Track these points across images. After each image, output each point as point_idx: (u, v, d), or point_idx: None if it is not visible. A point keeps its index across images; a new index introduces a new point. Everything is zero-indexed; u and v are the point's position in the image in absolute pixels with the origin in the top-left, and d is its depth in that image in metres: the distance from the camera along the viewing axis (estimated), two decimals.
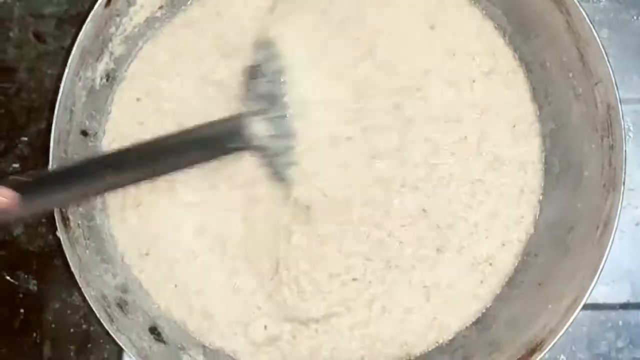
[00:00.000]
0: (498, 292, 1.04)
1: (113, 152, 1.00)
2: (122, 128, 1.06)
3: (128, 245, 1.05)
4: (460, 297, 1.03)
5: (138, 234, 1.04)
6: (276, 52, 0.99)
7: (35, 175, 0.93)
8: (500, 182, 1.04)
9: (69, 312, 1.11)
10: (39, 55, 1.16)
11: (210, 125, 0.98)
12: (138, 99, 1.06)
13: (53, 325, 1.12)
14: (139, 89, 1.06)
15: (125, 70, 1.07)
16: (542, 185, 1.04)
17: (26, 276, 1.12)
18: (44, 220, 1.11)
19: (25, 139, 1.14)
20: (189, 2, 1.08)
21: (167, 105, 1.05)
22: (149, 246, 1.04)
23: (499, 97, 1.05)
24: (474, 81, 1.04)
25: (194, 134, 0.97)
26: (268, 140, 0.98)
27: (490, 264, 1.04)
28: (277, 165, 1.00)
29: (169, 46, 1.07)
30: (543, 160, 1.05)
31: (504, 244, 1.04)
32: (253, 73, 1.00)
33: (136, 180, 0.96)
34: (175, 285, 1.04)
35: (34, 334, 1.11)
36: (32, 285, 1.12)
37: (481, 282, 1.04)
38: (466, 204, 1.04)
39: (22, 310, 1.11)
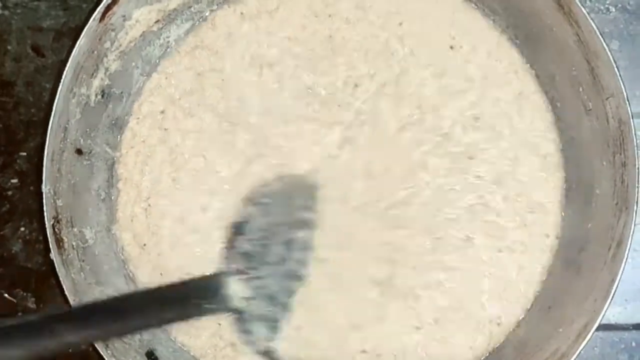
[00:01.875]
0: None
1: (76, 308, 0.94)
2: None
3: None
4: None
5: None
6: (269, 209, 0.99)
7: None
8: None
9: None
10: (37, 69, 1.15)
11: (186, 283, 0.97)
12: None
13: None
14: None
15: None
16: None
17: (24, 294, 1.11)
18: (41, 237, 1.10)
19: (24, 154, 1.13)
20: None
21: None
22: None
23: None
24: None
25: (167, 291, 0.95)
26: (245, 302, 0.96)
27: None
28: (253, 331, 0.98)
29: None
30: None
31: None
32: (238, 228, 0.99)
33: (102, 338, 0.92)
34: None
35: None
36: (31, 303, 1.11)
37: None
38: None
39: None
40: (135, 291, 0.96)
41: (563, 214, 1.01)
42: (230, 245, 0.99)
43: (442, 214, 1.01)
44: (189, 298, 0.94)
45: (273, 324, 0.97)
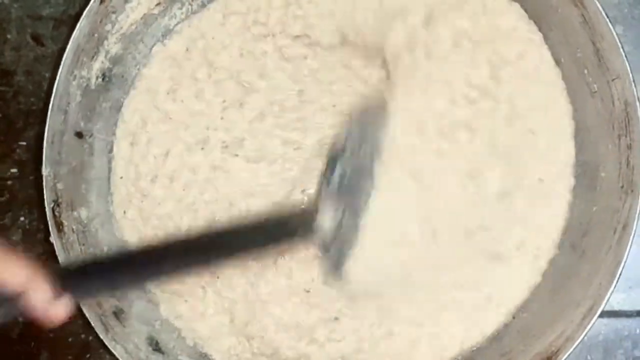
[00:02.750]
0: None
1: (168, 241, 0.91)
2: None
3: None
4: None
5: None
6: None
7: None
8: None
9: (67, 320, 1.08)
10: (36, 58, 1.14)
11: (275, 214, 0.95)
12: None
13: (51, 335, 1.10)
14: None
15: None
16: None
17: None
18: (42, 226, 1.10)
19: (24, 143, 1.13)
20: None
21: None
22: None
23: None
24: None
25: (258, 221, 0.91)
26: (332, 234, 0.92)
27: None
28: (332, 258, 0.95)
29: None
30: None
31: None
32: (335, 157, 0.95)
33: (196, 269, 0.91)
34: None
35: (32, 344, 1.10)
36: None
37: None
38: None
39: (20, 319, 1.08)
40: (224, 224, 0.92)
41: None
42: (327, 181, 0.94)
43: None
44: (280, 226, 0.91)
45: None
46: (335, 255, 0.93)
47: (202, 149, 1.04)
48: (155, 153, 1.04)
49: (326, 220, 0.90)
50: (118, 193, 1.05)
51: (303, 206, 0.99)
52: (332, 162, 0.94)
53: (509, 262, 0.99)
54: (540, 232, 0.99)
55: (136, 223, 1.04)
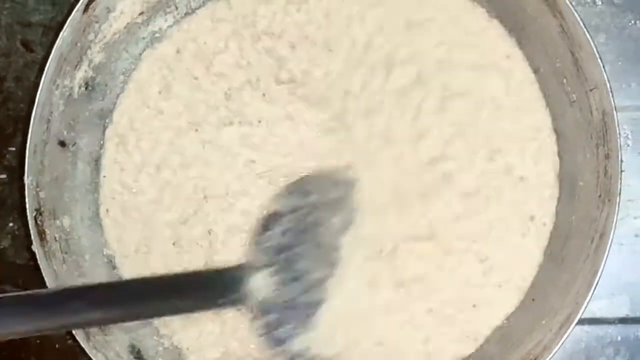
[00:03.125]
0: None
1: (90, 286, 0.93)
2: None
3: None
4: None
5: None
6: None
7: None
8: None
9: None
10: (26, 64, 1.14)
11: (202, 274, 0.95)
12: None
13: (38, 341, 1.10)
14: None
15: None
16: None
17: (13, 290, 1.10)
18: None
19: (13, 149, 1.13)
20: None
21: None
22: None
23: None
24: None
25: (184, 280, 0.93)
26: (270, 299, 0.93)
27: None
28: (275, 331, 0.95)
29: None
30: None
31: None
32: (270, 220, 0.96)
33: (112, 321, 0.91)
34: None
35: (20, 350, 1.10)
36: None
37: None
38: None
39: None
40: (148, 277, 0.94)
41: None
42: (257, 240, 0.96)
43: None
44: (205, 290, 0.92)
45: (305, 315, 0.95)
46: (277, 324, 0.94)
47: (196, 130, 1.04)
48: (143, 148, 1.04)
49: (258, 279, 0.91)
50: (102, 192, 1.04)
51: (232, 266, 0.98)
52: (267, 222, 0.95)
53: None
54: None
55: (118, 220, 1.04)
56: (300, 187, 0.98)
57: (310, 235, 0.96)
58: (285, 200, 0.97)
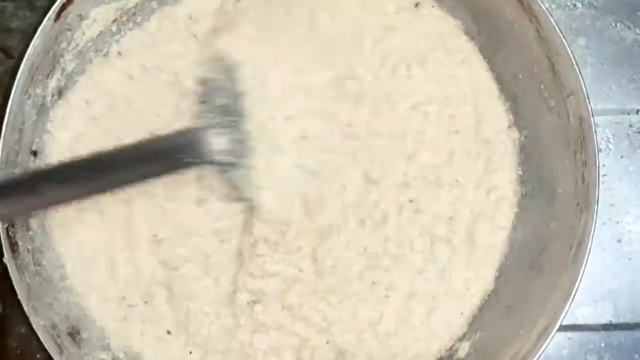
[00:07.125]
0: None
1: (58, 165, 0.95)
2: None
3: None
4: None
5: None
6: (232, 68, 0.96)
7: None
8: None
9: (34, 337, 1.08)
10: (6, 71, 1.13)
11: (164, 138, 0.95)
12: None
13: (18, 351, 1.09)
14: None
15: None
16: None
17: None
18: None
19: None
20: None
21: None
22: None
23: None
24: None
25: (146, 147, 0.94)
26: (225, 154, 0.94)
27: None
28: (235, 182, 0.97)
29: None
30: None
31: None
32: (210, 85, 0.97)
33: (83, 195, 0.91)
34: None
35: None
36: None
37: None
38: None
39: None
40: (115, 148, 0.92)
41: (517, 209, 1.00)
42: (205, 100, 0.98)
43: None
44: (168, 152, 0.93)
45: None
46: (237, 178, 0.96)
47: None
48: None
49: (212, 138, 0.93)
50: None
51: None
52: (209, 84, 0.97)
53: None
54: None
55: None
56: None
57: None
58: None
